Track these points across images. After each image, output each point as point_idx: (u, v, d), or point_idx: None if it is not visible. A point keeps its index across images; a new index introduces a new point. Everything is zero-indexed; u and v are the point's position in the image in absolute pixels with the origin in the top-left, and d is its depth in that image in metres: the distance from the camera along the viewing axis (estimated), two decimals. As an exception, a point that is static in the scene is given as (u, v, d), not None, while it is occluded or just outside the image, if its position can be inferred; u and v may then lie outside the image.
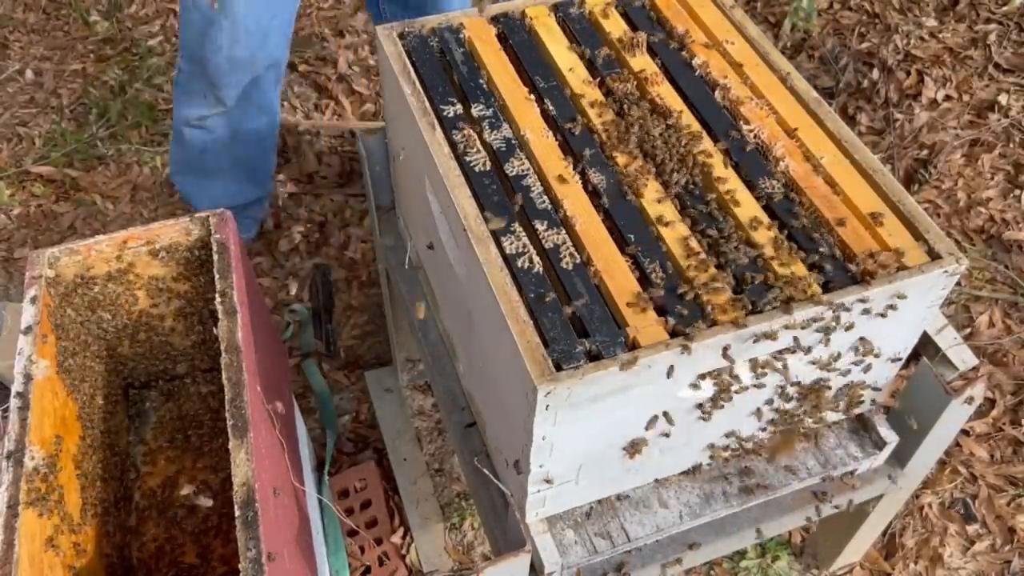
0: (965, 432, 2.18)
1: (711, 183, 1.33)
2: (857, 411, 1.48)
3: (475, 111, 1.42)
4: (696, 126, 1.40)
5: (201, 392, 1.75)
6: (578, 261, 1.22)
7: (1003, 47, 2.93)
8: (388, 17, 2.35)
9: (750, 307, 1.17)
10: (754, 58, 1.51)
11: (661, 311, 1.17)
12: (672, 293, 1.19)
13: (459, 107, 1.41)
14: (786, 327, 1.17)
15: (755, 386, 1.28)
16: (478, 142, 1.36)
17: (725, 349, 1.16)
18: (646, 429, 1.25)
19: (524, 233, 1.25)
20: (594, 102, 1.43)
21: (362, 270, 2.65)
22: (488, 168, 1.33)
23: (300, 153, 2.95)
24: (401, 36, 1.52)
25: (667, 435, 1.30)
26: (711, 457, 1.42)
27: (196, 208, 2.49)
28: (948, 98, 2.85)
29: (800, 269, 1.22)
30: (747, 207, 1.29)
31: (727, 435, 1.38)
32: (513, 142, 1.38)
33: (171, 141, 2.48)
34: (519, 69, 1.49)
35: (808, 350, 1.24)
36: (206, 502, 1.50)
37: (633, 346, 1.13)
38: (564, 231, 1.26)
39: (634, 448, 1.28)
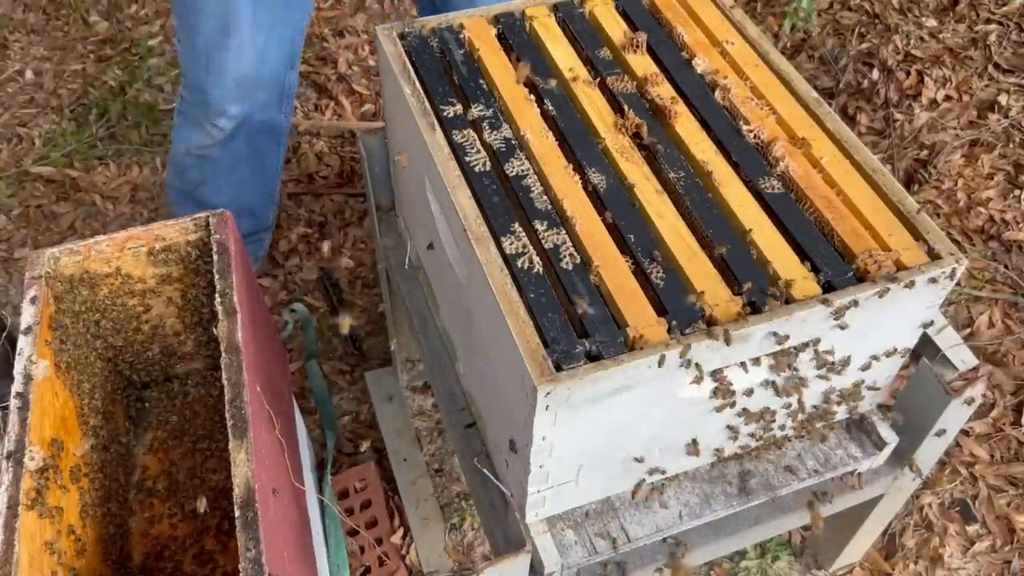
0: (965, 432, 2.18)
1: (711, 183, 1.32)
2: (857, 411, 1.48)
3: (475, 111, 1.42)
4: (696, 126, 1.40)
5: (201, 392, 1.75)
6: (578, 261, 1.22)
7: (1003, 47, 2.93)
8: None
9: (750, 307, 1.17)
10: (754, 58, 1.51)
11: (661, 311, 1.17)
12: (672, 293, 1.19)
13: (459, 107, 1.41)
14: (786, 327, 1.17)
15: (755, 386, 1.28)
16: (478, 142, 1.36)
17: (725, 348, 1.16)
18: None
19: (524, 233, 1.25)
20: (594, 102, 1.43)
21: (362, 270, 2.65)
22: (488, 168, 1.33)
23: (300, 153, 2.95)
24: (401, 36, 1.53)
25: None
26: (711, 457, 1.42)
27: None
28: (948, 98, 2.85)
29: (800, 269, 1.22)
30: (747, 207, 1.29)
31: (727, 435, 1.38)
32: (513, 142, 1.38)
33: (167, 169, 2.38)
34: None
35: (807, 350, 1.24)
36: (203, 505, 1.50)
37: (633, 346, 1.13)
38: (564, 231, 1.26)
39: (639, 459, 1.28)
